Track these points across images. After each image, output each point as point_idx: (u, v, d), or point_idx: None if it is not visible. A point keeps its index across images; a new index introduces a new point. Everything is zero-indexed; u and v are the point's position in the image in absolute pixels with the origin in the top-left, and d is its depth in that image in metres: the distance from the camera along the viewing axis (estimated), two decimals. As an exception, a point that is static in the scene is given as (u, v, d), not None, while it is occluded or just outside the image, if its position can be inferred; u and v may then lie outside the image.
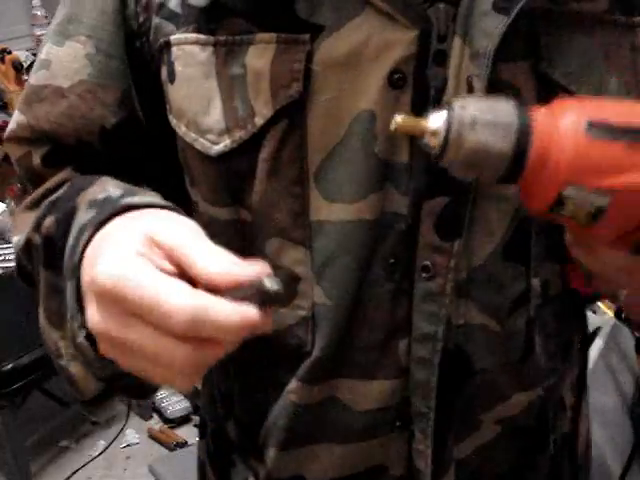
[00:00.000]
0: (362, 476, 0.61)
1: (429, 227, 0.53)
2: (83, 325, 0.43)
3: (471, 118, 0.40)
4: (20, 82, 2.43)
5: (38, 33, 2.75)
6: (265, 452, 0.63)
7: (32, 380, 1.94)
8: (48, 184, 0.60)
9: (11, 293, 1.82)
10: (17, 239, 0.58)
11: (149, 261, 0.38)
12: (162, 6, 0.54)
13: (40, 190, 0.60)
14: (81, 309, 0.43)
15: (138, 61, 0.58)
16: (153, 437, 2.31)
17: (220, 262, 0.38)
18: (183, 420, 2.36)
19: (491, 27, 0.49)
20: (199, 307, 0.36)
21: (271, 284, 0.37)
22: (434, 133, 0.41)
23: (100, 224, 0.44)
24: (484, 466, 0.63)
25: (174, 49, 0.54)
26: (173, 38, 0.54)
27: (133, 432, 2.35)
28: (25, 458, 2.05)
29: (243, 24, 0.51)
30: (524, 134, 0.40)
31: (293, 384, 0.59)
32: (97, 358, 0.44)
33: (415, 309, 0.55)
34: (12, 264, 1.98)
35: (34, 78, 0.60)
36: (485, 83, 0.49)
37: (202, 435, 0.74)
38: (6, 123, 2.55)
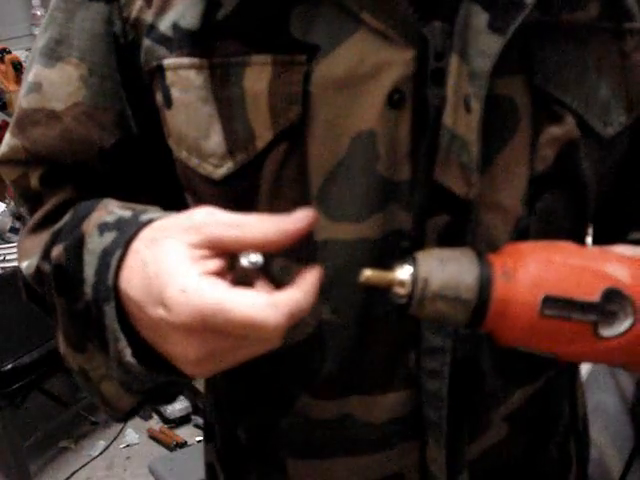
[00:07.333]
0: None
1: (433, 243, 0.53)
2: (129, 344, 0.46)
3: (432, 293, 0.45)
4: (20, 82, 2.43)
5: (38, 33, 2.74)
6: (281, 460, 0.63)
7: (32, 380, 1.94)
8: (48, 206, 0.59)
9: (11, 293, 1.83)
10: (26, 265, 0.58)
11: (209, 269, 0.41)
12: (152, 28, 0.53)
13: (40, 213, 0.60)
14: (124, 328, 0.45)
15: (129, 78, 0.57)
16: (153, 437, 2.32)
17: (269, 226, 0.42)
18: (183, 420, 2.37)
19: (487, 47, 0.48)
20: (288, 317, 0.40)
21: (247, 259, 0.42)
22: (401, 285, 0.46)
23: (127, 243, 0.45)
24: (496, 462, 0.64)
25: (168, 74, 0.53)
26: (166, 62, 0.53)
27: (133, 432, 2.35)
28: (25, 458, 2.05)
29: (237, 45, 0.51)
30: (481, 309, 0.45)
31: (305, 400, 0.59)
32: (146, 373, 0.47)
33: (424, 323, 0.55)
34: (12, 264, 1.99)
35: (25, 101, 0.59)
36: (482, 102, 0.49)
37: (209, 438, 0.73)
38: (6, 123, 2.56)
